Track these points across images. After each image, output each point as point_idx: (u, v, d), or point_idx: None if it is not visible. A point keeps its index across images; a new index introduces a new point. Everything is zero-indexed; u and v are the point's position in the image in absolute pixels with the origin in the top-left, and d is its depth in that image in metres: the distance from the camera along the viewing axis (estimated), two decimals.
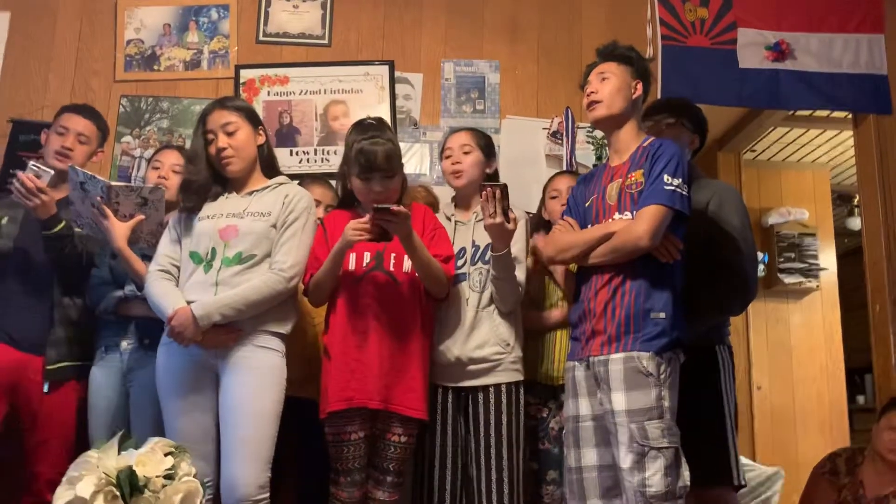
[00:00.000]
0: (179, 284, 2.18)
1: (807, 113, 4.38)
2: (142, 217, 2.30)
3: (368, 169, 2.16)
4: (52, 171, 2.34)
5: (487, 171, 2.42)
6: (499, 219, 2.09)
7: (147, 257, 2.30)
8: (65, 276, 2.46)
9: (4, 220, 2.52)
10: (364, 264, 2.20)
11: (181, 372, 2.13)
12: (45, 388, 2.41)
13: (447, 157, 2.43)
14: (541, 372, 2.42)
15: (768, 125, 4.54)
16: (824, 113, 4.32)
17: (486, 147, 2.43)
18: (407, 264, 2.18)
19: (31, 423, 2.42)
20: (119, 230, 2.26)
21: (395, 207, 2.04)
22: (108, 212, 2.26)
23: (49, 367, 2.42)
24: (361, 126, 2.26)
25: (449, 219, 2.44)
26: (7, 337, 2.42)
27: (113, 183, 2.28)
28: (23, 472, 2.44)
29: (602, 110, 2.13)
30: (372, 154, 2.15)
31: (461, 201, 2.46)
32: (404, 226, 2.06)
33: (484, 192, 2.10)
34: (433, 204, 2.62)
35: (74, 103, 2.76)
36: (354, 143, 2.20)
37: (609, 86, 2.13)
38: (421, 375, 2.15)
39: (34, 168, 2.31)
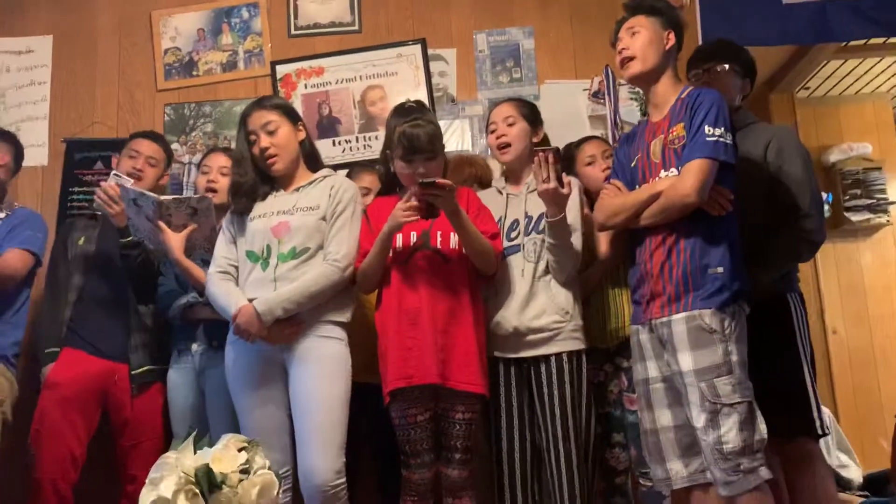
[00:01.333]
0: (239, 283, 2.24)
1: (860, 43, 4.15)
2: (194, 226, 2.39)
3: (412, 151, 2.18)
4: (132, 181, 2.47)
5: (535, 139, 2.40)
6: (553, 183, 2.09)
7: (207, 263, 2.35)
8: (138, 284, 2.59)
9: (81, 241, 2.69)
10: (412, 243, 2.21)
11: (250, 368, 2.19)
12: (134, 392, 2.55)
13: (492, 132, 2.41)
14: (598, 335, 2.40)
15: (820, 60, 4.34)
16: (879, 40, 4.11)
17: (531, 115, 2.42)
18: (453, 240, 2.19)
19: (122, 428, 2.57)
20: (175, 242, 2.35)
21: (440, 181, 2.05)
22: (163, 226, 2.36)
23: (134, 373, 2.56)
24: (402, 109, 2.28)
25: (500, 192, 2.44)
26: (92, 347, 2.57)
27: (162, 198, 2.37)
28: (118, 476, 2.58)
29: (636, 66, 2.11)
30: (415, 136, 2.17)
31: (511, 174, 2.46)
32: (450, 199, 2.07)
33: (536, 158, 2.10)
34: (487, 175, 2.63)
35: (144, 130, 2.89)
36: (396, 126, 2.22)
37: (640, 40, 2.10)
38: (476, 350, 2.15)
39: (116, 177, 2.44)
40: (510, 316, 2.25)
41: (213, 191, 2.57)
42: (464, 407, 2.15)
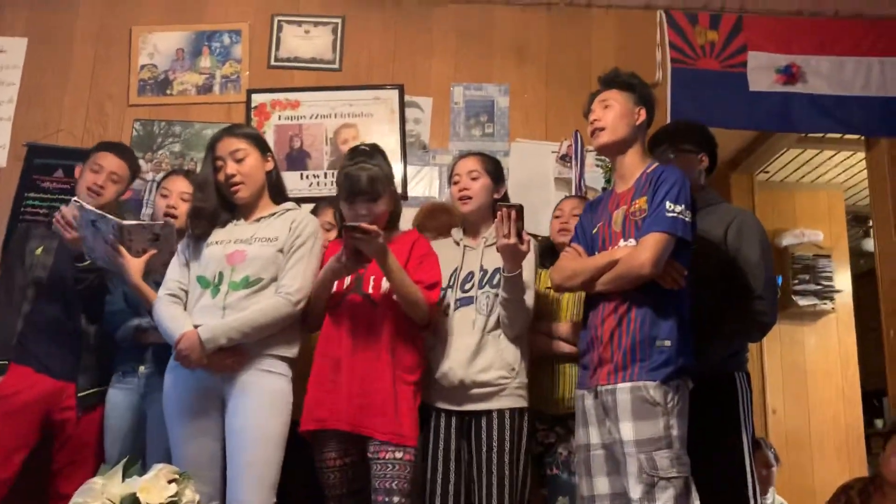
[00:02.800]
0: (187, 308, 2.20)
1: (819, 135, 4.35)
2: (154, 252, 2.35)
3: (353, 193, 2.20)
4: (95, 210, 2.34)
5: (496, 196, 2.43)
6: (513, 239, 2.11)
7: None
8: (88, 304, 2.54)
9: (39, 251, 2.61)
10: (344, 286, 2.22)
11: (187, 396, 2.14)
12: (78, 415, 2.50)
13: (455, 183, 2.45)
14: (549, 401, 2.40)
15: (781, 146, 4.51)
16: (838, 134, 4.29)
17: (495, 172, 2.45)
18: (386, 286, 2.19)
19: (62, 445, 2.51)
20: (133, 267, 2.30)
21: (365, 225, 2.05)
22: (122, 250, 2.30)
23: (81, 395, 2.51)
24: (353, 151, 2.31)
25: (457, 243, 2.46)
26: (42, 366, 2.52)
27: (124, 222, 2.31)
28: (48, 492, 2.51)
29: (605, 136, 2.16)
30: (356, 178, 2.19)
31: (469, 227, 2.48)
32: (376, 244, 2.07)
33: (499, 212, 2.12)
34: (457, 223, 2.63)
35: (111, 141, 2.85)
36: (342, 168, 2.25)
37: (612, 112, 2.16)
38: (397, 398, 2.13)
39: (76, 203, 2.35)
40: (457, 368, 2.24)
41: (173, 216, 2.54)
42: (393, 448, 2.11)
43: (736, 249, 2.27)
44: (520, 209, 2.11)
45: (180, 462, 2.06)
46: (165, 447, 2.20)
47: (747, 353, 2.40)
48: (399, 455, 2.11)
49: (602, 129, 2.16)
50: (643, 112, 2.18)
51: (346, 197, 2.21)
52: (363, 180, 2.18)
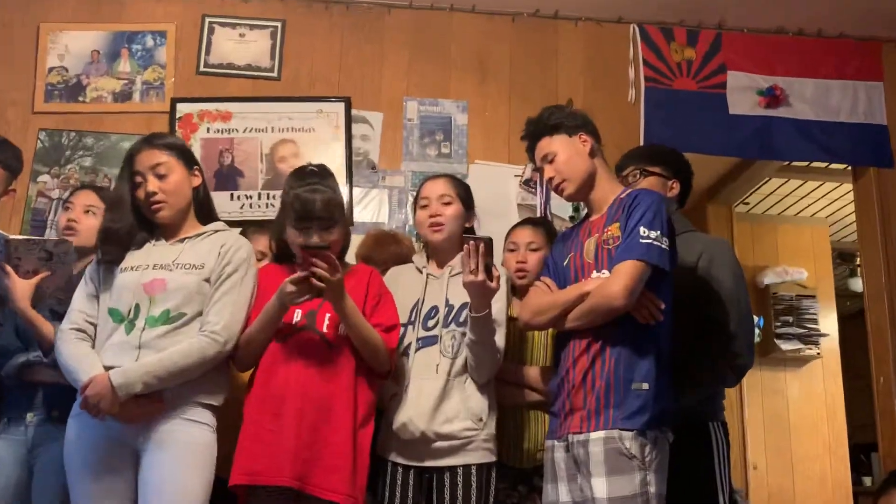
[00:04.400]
0: (96, 346, 2.15)
1: (804, 163, 4.48)
2: (47, 273, 2.29)
3: (305, 218, 2.18)
4: None
5: (466, 224, 2.44)
6: (481, 276, 2.09)
7: (58, 315, 2.26)
8: None
9: None
10: (294, 322, 2.18)
11: (95, 449, 2.07)
12: None
13: (423, 207, 2.43)
14: (512, 454, 2.38)
15: (762, 176, 4.63)
16: (823, 163, 4.42)
17: (466, 198, 2.45)
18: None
19: None
20: (20, 289, 2.24)
21: (329, 254, 2.04)
22: (9, 269, 2.25)
23: None
24: (301, 172, 2.30)
25: (420, 271, 2.44)
26: None
27: (11, 237, 2.27)
28: None
29: (570, 188, 2.21)
30: (310, 202, 2.17)
31: (437, 255, 2.46)
32: (334, 280, 2.05)
33: (466, 246, 2.10)
34: (408, 254, 2.64)
35: None
36: (291, 189, 2.22)
37: (560, 162, 2.21)
38: (351, 453, 2.09)
39: None
40: (418, 418, 2.21)
41: (72, 230, 2.49)
42: None
43: (707, 281, 2.29)
44: (488, 242, 2.11)
45: None
46: None
47: (723, 400, 2.40)
48: None
49: (561, 182, 2.20)
50: (585, 136, 2.22)
51: (297, 222, 2.19)
52: (318, 204, 2.17)
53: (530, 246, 2.52)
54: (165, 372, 2.04)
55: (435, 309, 2.34)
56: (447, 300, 2.34)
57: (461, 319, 2.28)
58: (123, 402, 2.01)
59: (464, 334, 2.25)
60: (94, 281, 2.22)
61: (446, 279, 2.38)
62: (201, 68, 3.38)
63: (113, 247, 2.21)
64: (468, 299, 2.20)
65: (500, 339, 2.26)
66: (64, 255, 2.28)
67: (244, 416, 2.14)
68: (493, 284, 2.13)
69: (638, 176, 2.43)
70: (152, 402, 2.06)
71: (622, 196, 2.16)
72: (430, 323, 2.32)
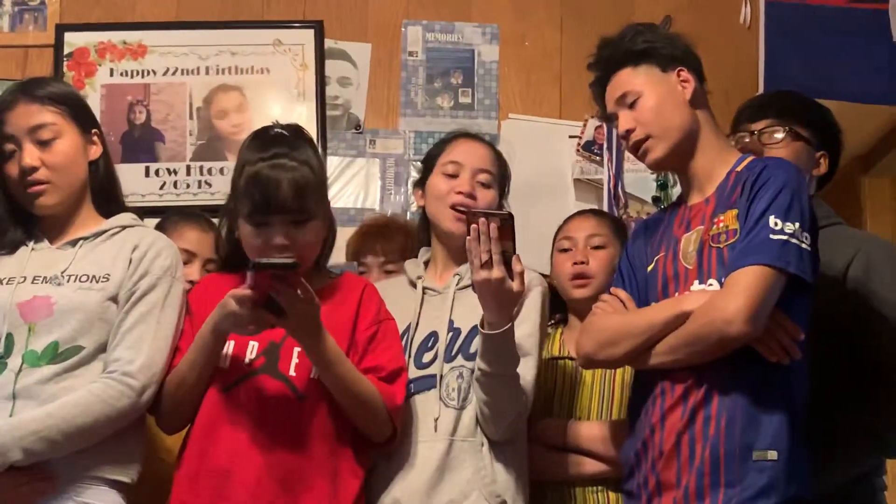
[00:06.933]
0: None
1: None
2: None
3: (265, 209, 2.02)
4: None
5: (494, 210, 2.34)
6: (496, 272, 1.92)
7: None
8: None
9: None
10: (246, 360, 2.05)
11: None
12: None
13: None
14: None
15: None
16: None
17: (502, 179, 2.38)
18: None
19: None
20: None
21: (293, 275, 1.88)
22: None
23: None
24: (264, 137, 2.15)
25: (413, 284, 2.33)
26: None
27: None
28: None
29: (660, 148, 2.07)
30: (272, 183, 2.01)
31: (452, 254, 2.32)
32: (304, 308, 1.90)
33: (473, 226, 1.95)
34: (409, 249, 2.59)
35: None
36: (247, 164, 2.06)
37: (647, 108, 2.08)
38: None
39: None
40: (412, 496, 2.09)
41: None
42: None
43: (864, 294, 2.17)
44: (507, 219, 1.96)
45: None
46: None
47: (884, 476, 2.30)
48: None
49: (645, 139, 2.06)
50: (686, 75, 2.08)
51: (251, 213, 2.02)
52: (284, 188, 2.01)
53: (592, 242, 2.45)
54: (56, 432, 1.94)
55: (433, 336, 2.22)
56: (451, 323, 2.22)
57: (471, 350, 2.14)
58: None
59: (473, 371, 2.13)
60: None
61: (451, 292, 2.26)
62: None
63: None
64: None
65: (528, 372, 2.13)
66: None
67: (172, 501, 2.04)
68: (516, 285, 1.98)
69: (780, 137, 2.26)
70: (35, 478, 1.96)
71: (739, 168, 2.02)
72: (427, 357, 2.21)
